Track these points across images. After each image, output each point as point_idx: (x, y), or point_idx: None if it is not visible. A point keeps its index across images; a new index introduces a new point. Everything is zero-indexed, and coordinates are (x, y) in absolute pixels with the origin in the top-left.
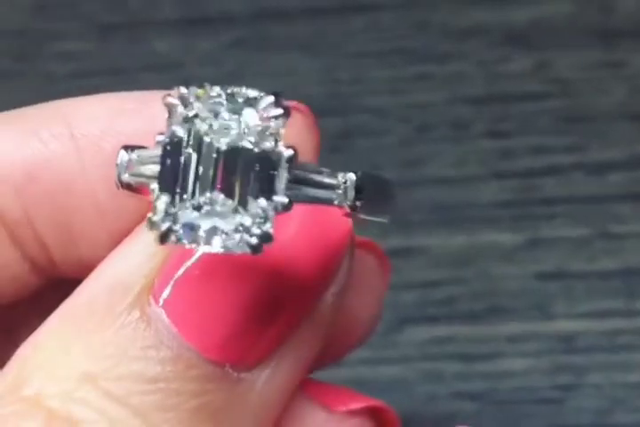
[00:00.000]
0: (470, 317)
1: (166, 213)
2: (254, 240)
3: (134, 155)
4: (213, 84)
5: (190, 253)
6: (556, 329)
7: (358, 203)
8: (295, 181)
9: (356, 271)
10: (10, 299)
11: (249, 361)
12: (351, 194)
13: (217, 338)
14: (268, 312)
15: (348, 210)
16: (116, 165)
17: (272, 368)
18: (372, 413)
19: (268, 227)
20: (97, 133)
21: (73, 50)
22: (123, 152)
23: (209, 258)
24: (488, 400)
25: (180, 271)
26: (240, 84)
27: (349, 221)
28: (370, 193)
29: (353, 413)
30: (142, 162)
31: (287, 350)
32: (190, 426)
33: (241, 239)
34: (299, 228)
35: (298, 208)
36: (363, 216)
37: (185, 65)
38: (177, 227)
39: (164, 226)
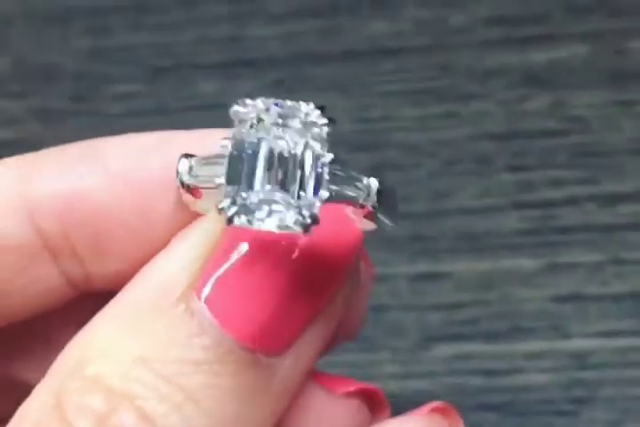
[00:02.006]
0: (492, 336)
1: (233, 201)
2: (307, 220)
3: (193, 161)
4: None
5: (228, 256)
6: (571, 347)
7: (378, 203)
8: (332, 182)
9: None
10: (47, 309)
11: (276, 349)
12: (373, 195)
13: (251, 329)
14: (293, 308)
15: (369, 208)
16: (178, 170)
17: (294, 355)
18: (365, 395)
19: (316, 211)
20: (127, 168)
21: (125, 91)
22: (184, 159)
23: (244, 261)
24: (508, 412)
25: (219, 272)
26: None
27: (359, 229)
28: (386, 197)
29: (349, 394)
30: (201, 166)
31: (306, 340)
32: (227, 402)
33: (295, 220)
34: (319, 234)
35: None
36: (380, 216)
37: (228, 105)
38: (241, 211)
39: (231, 211)
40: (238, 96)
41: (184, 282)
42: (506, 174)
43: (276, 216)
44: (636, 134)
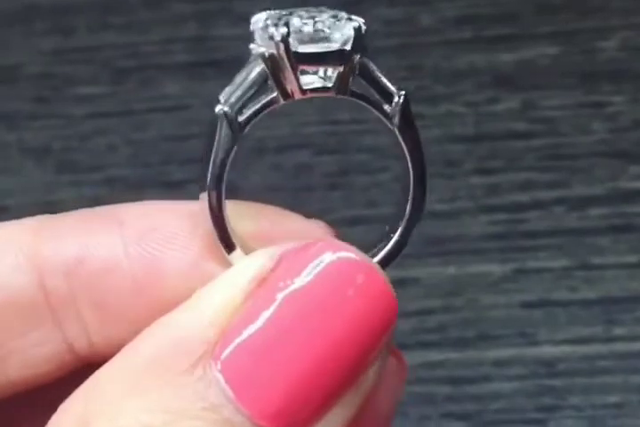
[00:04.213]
0: (460, 343)
1: (278, 22)
2: (360, 23)
3: (226, 106)
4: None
5: (252, 321)
6: (539, 354)
7: (404, 118)
8: (365, 76)
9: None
10: (46, 378)
11: None
12: (401, 108)
13: (270, 406)
14: (317, 384)
15: (396, 120)
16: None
17: None
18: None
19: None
20: (142, 228)
21: (89, 93)
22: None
23: (268, 328)
24: (476, 421)
25: (242, 337)
26: None
27: (395, 298)
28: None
29: None
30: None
31: (330, 418)
32: None
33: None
34: (349, 304)
35: (345, 288)
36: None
37: (193, 107)
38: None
39: (283, 29)
40: (204, 97)
41: (204, 345)
42: (474, 177)
43: (321, 25)
44: (607, 136)
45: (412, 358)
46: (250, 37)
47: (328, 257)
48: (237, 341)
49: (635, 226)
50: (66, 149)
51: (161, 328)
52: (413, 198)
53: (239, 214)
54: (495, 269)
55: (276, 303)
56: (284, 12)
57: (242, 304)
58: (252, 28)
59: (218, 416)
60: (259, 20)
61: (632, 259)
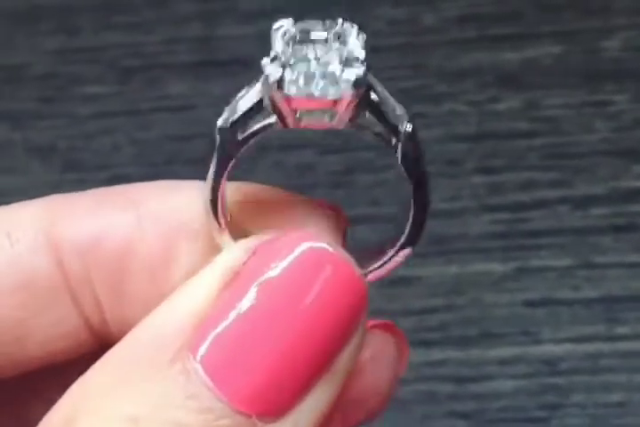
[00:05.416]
0: (462, 341)
1: (280, 64)
2: (358, 74)
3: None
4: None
5: (228, 313)
6: (542, 353)
7: (410, 147)
8: (370, 110)
9: (375, 350)
10: (65, 356)
11: (274, 412)
12: (407, 140)
13: (247, 392)
14: (292, 369)
15: (400, 151)
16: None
17: (293, 419)
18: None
19: (362, 69)
20: (156, 209)
21: (95, 92)
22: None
23: (242, 318)
24: (479, 419)
25: (218, 330)
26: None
27: (365, 286)
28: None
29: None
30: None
31: (308, 403)
32: None
33: (342, 77)
34: (319, 292)
35: (315, 277)
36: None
37: (198, 106)
38: (288, 74)
39: (278, 74)
40: (209, 97)
41: (181, 338)
42: (476, 177)
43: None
44: (610, 135)
45: (415, 356)
46: (268, 45)
47: (300, 247)
48: (214, 332)
49: (637, 225)
50: (71, 148)
51: (144, 326)
52: (412, 227)
53: (245, 196)
54: (497, 267)
55: (250, 294)
56: (300, 29)
57: (217, 296)
58: (272, 35)
59: (199, 405)
60: (280, 29)
61: (634, 258)
